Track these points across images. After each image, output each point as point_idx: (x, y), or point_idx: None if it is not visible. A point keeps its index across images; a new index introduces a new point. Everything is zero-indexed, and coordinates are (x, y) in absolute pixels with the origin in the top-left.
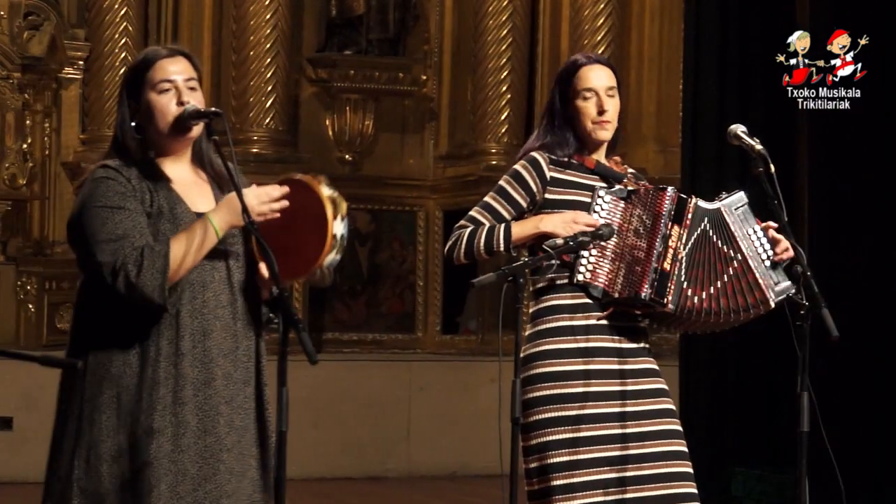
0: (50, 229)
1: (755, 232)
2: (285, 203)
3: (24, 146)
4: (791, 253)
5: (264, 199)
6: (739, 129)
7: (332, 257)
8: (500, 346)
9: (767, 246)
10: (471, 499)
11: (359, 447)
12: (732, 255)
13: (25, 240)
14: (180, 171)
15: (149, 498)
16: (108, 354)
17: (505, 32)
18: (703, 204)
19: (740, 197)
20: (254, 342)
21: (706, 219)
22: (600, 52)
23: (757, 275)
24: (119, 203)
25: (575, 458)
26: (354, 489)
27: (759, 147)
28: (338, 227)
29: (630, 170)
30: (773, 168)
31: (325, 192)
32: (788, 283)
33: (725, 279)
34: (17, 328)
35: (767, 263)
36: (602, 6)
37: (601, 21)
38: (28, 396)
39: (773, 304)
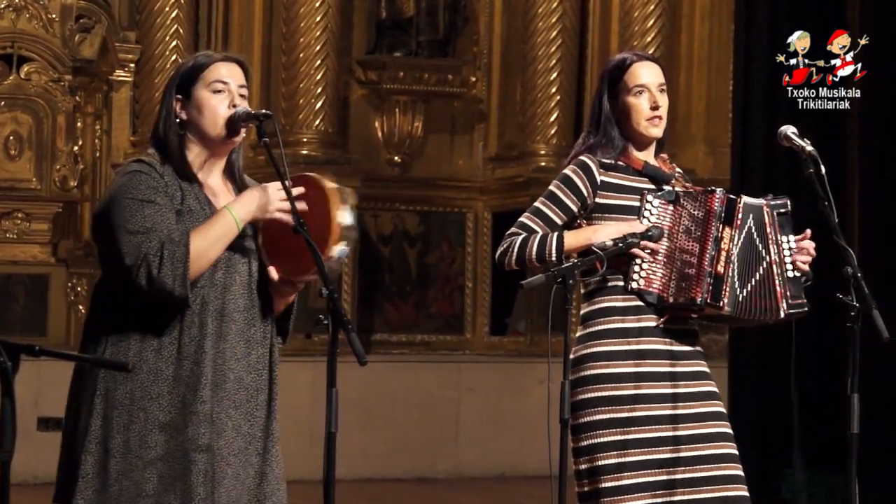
0: None
1: (787, 241)
2: (303, 204)
3: (75, 148)
4: (806, 266)
5: (283, 196)
6: (790, 130)
7: (340, 248)
8: (550, 348)
9: (791, 258)
10: (520, 500)
11: (407, 448)
12: (763, 255)
13: (76, 241)
14: (212, 178)
15: (157, 497)
16: (124, 350)
17: (554, 34)
18: (749, 200)
19: (784, 203)
20: (268, 350)
21: (751, 216)
22: (650, 52)
23: (776, 283)
24: (150, 197)
25: (624, 460)
26: (403, 490)
27: (809, 148)
28: (343, 217)
29: (678, 169)
30: (823, 169)
31: (330, 184)
32: (804, 300)
33: (755, 281)
34: (68, 329)
35: (789, 275)
36: (652, 7)
37: (651, 22)
38: None
39: (783, 315)
